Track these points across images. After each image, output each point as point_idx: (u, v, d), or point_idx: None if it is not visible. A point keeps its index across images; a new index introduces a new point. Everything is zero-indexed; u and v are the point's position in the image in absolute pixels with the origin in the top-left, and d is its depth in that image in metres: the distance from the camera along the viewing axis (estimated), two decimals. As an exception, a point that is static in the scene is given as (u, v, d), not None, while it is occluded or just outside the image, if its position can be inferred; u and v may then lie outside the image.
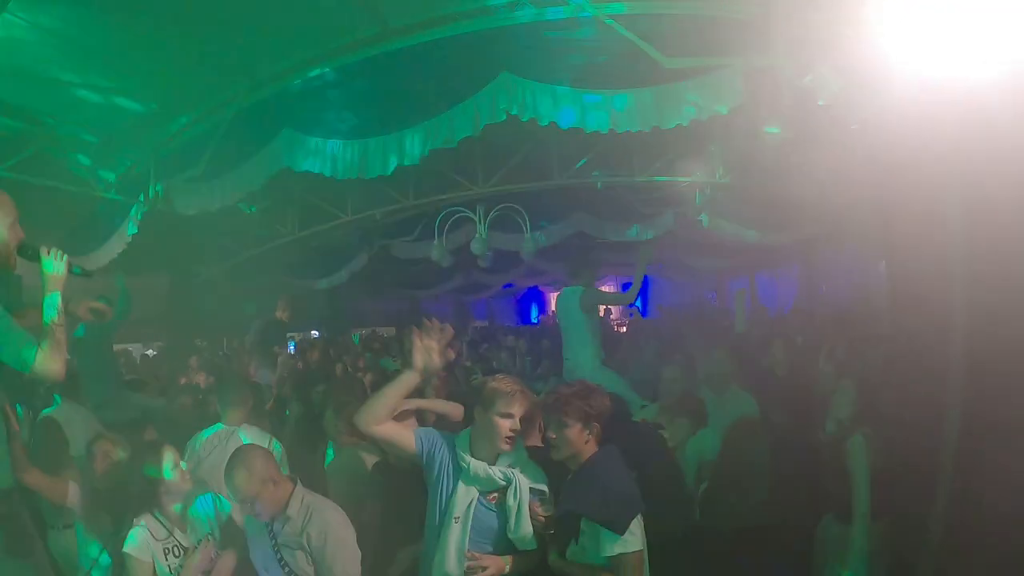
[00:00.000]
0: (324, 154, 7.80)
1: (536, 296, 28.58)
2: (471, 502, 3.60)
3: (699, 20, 6.76)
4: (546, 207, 12.88)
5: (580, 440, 3.61)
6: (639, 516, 3.46)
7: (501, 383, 3.71)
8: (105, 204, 10.17)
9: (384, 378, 6.65)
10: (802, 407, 5.83)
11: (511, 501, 3.56)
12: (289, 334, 8.92)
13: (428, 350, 3.74)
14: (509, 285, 24.25)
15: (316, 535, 3.64)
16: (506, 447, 3.64)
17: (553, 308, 28.33)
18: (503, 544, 3.62)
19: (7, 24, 6.25)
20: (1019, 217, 3.79)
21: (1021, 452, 3.68)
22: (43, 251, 3.51)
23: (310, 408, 7.08)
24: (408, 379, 3.75)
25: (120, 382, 8.70)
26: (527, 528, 3.56)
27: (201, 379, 8.90)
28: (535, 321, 27.00)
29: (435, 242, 12.75)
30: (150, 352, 16.11)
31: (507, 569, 3.60)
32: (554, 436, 3.64)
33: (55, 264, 3.50)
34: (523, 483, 3.61)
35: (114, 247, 9.96)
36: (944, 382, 4.22)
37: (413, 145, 7.28)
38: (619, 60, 6.82)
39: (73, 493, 4.62)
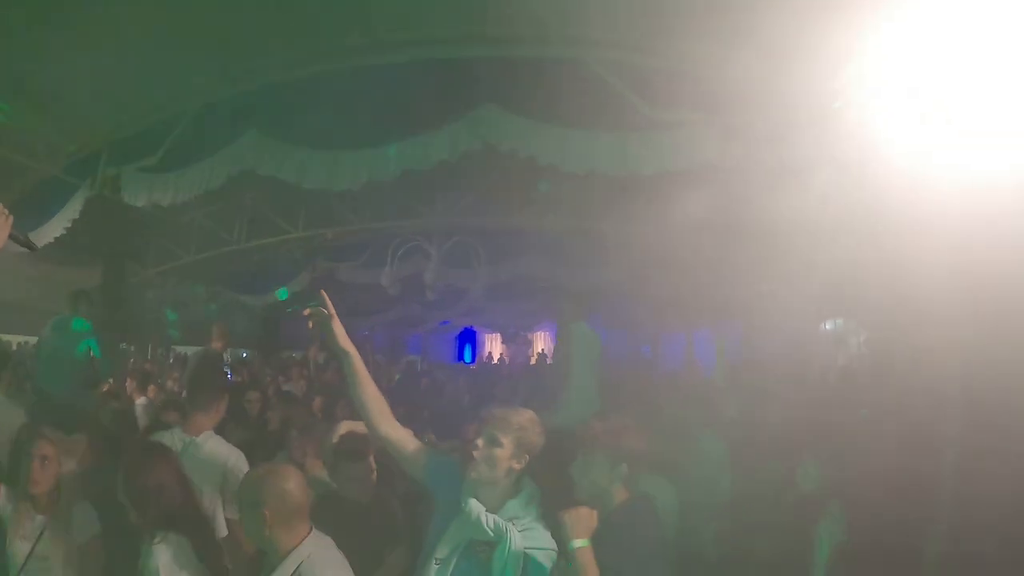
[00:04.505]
0: (291, 161, 7.62)
1: (470, 336, 28.43)
2: (458, 547, 3.12)
3: (682, 77, 6.86)
4: (497, 245, 12.80)
5: (605, 482, 3.21)
6: None
7: (504, 410, 3.25)
8: (51, 182, 9.81)
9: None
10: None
11: (497, 561, 3.03)
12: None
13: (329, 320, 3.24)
14: (446, 323, 24.10)
15: None
16: (476, 472, 3.12)
17: (489, 350, 28.60)
18: None
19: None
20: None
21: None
22: None
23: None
24: (357, 360, 3.29)
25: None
26: None
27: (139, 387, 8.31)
28: (469, 361, 26.78)
29: (386, 268, 12.57)
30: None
31: None
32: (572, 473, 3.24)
33: None
34: (517, 542, 3.04)
35: (52, 230, 9.54)
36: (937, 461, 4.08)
37: (387, 162, 7.16)
38: (601, 104, 6.85)
39: (3, 494, 3.84)
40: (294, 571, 2.89)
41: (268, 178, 8.17)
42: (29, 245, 3.08)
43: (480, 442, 3.15)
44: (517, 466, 3.15)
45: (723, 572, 4.83)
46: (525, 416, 3.22)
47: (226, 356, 8.25)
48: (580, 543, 2.96)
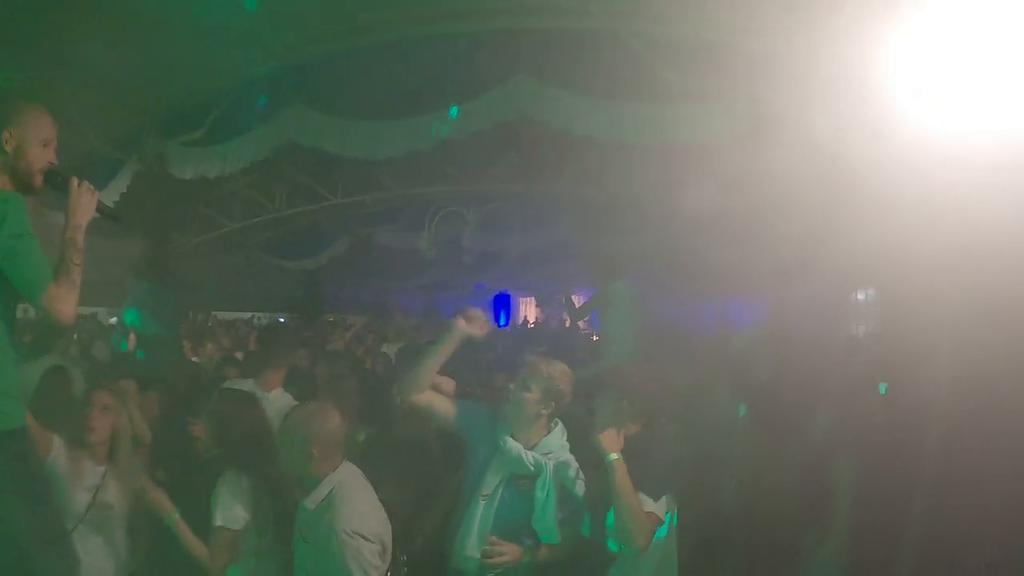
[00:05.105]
0: (333, 132, 7.88)
1: (504, 301, 28.35)
2: (500, 482, 3.52)
3: (710, 47, 6.98)
4: (533, 212, 13.02)
5: (614, 414, 3.55)
6: None
7: (538, 359, 3.68)
8: (96, 157, 10.05)
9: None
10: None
11: (539, 491, 3.47)
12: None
13: (473, 320, 3.76)
14: (481, 286, 24.19)
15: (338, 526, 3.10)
16: (505, 412, 3.63)
17: (524, 314, 28.71)
18: (527, 532, 3.51)
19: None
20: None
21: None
22: (73, 182, 3.02)
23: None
24: (448, 346, 3.72)
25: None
26: (550, 521, 3.47)
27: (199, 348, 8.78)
28: (503, 325, 26.78)
29: (424, 232, 12.85)
30: (113, 320, 15.59)
31: (524, 559, 3.46)
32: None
33: (84, 197, 3.03)
34: (553, 474, 3.52)
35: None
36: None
37: (425, 132, 7.42)
38: (633, 75, 7.01)
39: (57, 447, 3.80)
40: (328, 492, 3.25)
41: (309, 148, 8.48)
42: (115, 217, 3.39)
43: (512, 386, 3.63)
44: (544, 411, 3.56)
45: (742, 523, 5.08)
46: (557, 367, 3.60)
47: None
48: (614, 455, 3.34)
